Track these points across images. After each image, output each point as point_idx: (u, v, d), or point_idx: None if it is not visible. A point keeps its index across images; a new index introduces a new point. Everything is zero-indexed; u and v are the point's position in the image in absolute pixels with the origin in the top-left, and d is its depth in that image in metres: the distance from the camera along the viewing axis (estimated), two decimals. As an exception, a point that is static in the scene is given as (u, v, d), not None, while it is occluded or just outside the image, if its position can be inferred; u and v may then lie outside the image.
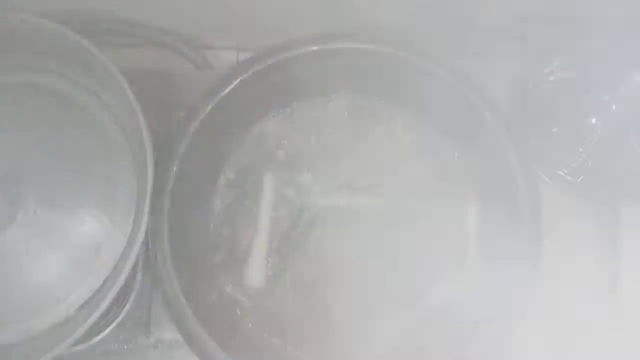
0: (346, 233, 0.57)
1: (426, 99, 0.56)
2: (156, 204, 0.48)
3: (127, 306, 0.54)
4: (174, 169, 0.49)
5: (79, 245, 0.48)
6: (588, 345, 0.55)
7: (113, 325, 0.54)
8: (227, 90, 0.51)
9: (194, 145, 0.50)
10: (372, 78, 0.57)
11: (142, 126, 0.47)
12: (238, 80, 0.51)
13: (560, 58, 0.62)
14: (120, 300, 0.54)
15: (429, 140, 0.59)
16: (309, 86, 0.58)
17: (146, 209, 0.46)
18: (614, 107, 0.59)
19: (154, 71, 0.61)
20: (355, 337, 0.54)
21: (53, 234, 0.48)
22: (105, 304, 0.44)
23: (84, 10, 0.60)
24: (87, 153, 0.50)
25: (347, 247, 0.57)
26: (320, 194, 0.58)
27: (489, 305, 0.50)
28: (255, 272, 0.56)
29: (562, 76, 0.63)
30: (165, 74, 0.61)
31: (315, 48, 0.52)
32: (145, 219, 0.46)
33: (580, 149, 0.59)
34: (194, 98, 0.52)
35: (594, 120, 0.59)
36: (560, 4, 0.56)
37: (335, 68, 0.56)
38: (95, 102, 0.52)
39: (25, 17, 0.48)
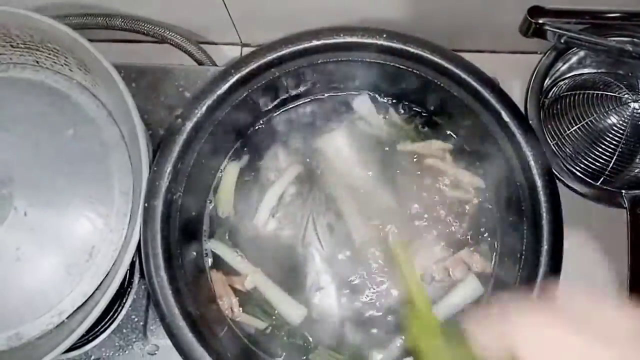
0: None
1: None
2: (150, 205, 0.46)
3: (123, 311, 0.53)
4: (169, 169, 0.46)
5: (72, 249, 0.46)
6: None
7: (109, 331, 0.52)
8: (225, 87, 0.48)
9: (189, 146, 0.48)
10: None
11: (137, 125, 0.45)
12: (236, 77, 0.49)
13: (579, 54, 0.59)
14: (115, 305, 0.52)
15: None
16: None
17: (141, 211, 0.45)
18: (634, 105, 0.56)
19: (155, 67, 0.60)
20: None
21: (45, 236, 0.46)
22: (98, 309, 0.42)
23: (82, 4, 0.58)
24: (81, 152, 0.48)
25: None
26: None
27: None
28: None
29: (581, 72, 0.61)
30: (166, 71, 0.60)
31: (316, 43, 0.50)
32: (140, 221, 0.44)
33: (600, 149, 0.56)
34: (192, 96, 0.50)
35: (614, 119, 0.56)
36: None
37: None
38: (90, 100, 0.50)
39: (17, 10, 0.46)
